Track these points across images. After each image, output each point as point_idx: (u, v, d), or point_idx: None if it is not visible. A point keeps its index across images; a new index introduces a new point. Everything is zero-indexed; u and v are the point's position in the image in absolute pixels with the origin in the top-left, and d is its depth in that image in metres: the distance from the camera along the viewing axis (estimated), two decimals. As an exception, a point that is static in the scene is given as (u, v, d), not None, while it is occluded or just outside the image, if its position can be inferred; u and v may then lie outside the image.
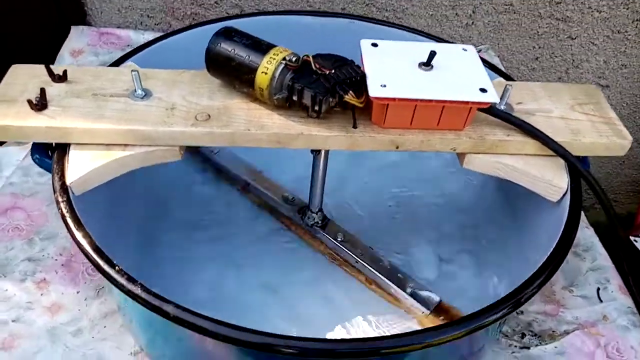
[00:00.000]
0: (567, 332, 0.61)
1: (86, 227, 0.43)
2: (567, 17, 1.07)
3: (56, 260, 0.64)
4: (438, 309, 0.62)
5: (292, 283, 0.65)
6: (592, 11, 1.06)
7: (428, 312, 0.62)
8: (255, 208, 0.73)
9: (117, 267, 0.40)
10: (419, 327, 0.61)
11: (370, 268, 0.64)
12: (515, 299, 0.43)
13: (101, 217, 0.52)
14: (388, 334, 0.60)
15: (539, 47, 1.15)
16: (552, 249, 0.47)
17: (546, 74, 1.19)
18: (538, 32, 1.10)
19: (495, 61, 1.07)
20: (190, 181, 0.75)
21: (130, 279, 0.39)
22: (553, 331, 0.61)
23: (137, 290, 0.39)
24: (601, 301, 0.65)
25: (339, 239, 0.66)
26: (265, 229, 0.71)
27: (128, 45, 0.99)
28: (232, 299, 0.63)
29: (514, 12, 1.07)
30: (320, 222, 0.68)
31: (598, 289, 0.66)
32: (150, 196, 0.70)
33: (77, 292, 0.61)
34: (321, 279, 0.66)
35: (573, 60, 1.17)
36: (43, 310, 0.59)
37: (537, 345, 0.60)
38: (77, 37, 0.99)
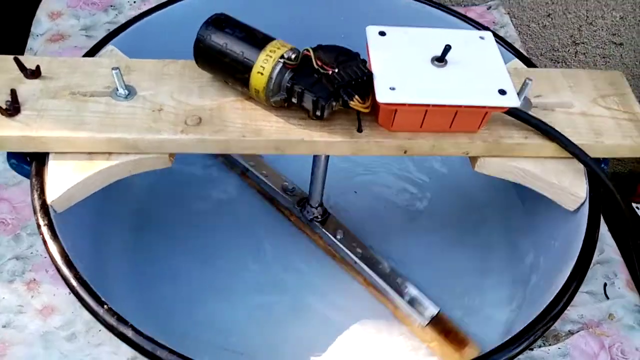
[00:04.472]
0: (571, 333, 0.60)
1: (72, 259, 0.40)
2: (585, -31, 1.00)
3: (46, 257, 0.61)
4: (435, 321, 0.59)
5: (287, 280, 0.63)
6: (613, -38, 0.98)
7: (425, 323, 0.59)
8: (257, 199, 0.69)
9: (105, 306, 0.37)
10: (411, 335, 0.59)
11: (368, 270, 0.61)
12: (530, 335, 0.41)
13: (89, 226, 0.49)
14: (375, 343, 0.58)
15: (552, 3, 1.08)
16: (568, 275, 0.45)
17: (558, 32, 1.12)
18: (552, -14, 1.03)
19: (506, 19, 1.00)
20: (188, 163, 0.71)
21: (121, 320, 0.37)
22: (557, 332, 0.60)
23: (129, 332, 0.36)
24: (607, 298, 0.63)
25: (338, 237, 0.64)
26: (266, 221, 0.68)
27: (111, 6, 0.91)
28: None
29: (527, -34, 0.99)
30: (320, 216, 0.65)
31: (605, 285, 0.64)
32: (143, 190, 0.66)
33: (70, 293, 0.59)
34: (318, 276, 0.63)
35: (587, 17, 1.10)
36: (35, 313, 0.57)
37: (540, 347, 0.59)
38: (55, -3, 0.90)
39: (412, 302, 0.60)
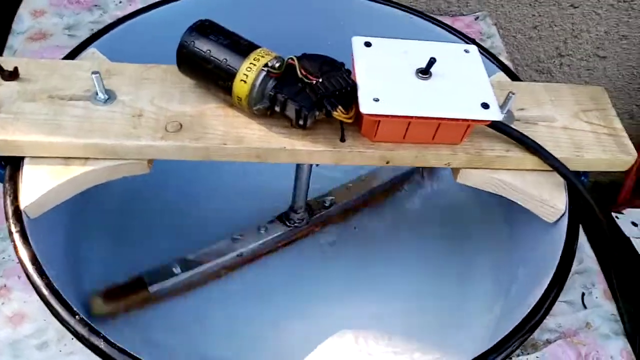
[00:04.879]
0: (549, 342, 0.60)
1: (44, 266, 0.39)
2: (571, -16, 1.01)
3: (18, 263, 0.59)
4: None
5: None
6: (598, -22, 1.00)
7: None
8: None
9: (77, 316, 0.36)
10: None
11: None
12: (509, 345, 0.41)
13: (65, 231, 0.48)
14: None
15: (539, 15, 1.09)
16: (546, 285, 0.45)
17: (544, 44, 1.14)
18: (539, -1, 1.04)
19: (493, 30, 1.01)
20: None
21: (93, 331, 0.36)
22: (535, 341, 0.60)
23: (100, 344, 0.36)
24: (585, 307, 0.64)
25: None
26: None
27: (96, 5, 0.90)
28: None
29: (514, -22, 1.00)
30: (305, 219, 0.65)
31: (583, 294, 0.65)
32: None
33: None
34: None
35: (573, 30, 1.12)
36: (4, 321, 0.55)
37: (518, 356, 0.59)
38: (38, -7, 0.89)
39: None
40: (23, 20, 0.85)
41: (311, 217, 0.66)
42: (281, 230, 0.65)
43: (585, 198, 0.49)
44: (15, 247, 0.41)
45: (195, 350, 0.57)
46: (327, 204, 0.68)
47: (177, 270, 0.59)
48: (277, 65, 0.45)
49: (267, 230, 0.64)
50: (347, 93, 0.45)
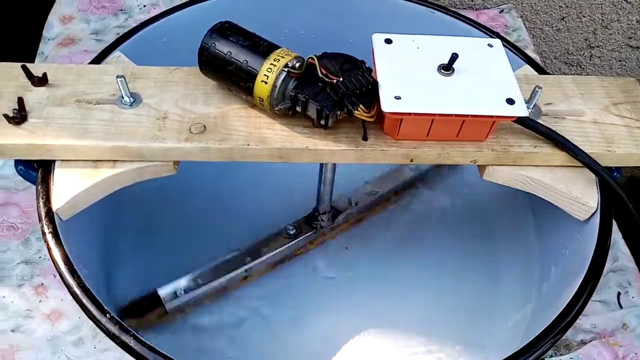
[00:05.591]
0: (583, 342, 0.59)
1: (76, 266, 0.40)
2: (601, -28, 0.98)
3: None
4: None
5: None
6: (630, -35, 0.97)
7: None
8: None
9: (108, 315, 0.37)
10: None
11: None
12: (540, 345, 0.40)
13: (97, 232, 0.49)
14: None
15: (566, 6, 1.06)
16: (579, 284, 0.44)
17: (572, 35, 1.11)
18: (566, -11, 1.02)
19: (518, 22, 0.99)
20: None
21: (123, 329, 0.37)
22: (569, 342, 0.59)
23: (130, 341, 0.36)
24: (621, 307, 0.62)
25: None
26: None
27: (121, 10, 0.92)
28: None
29: (541, -32, 0.98)
30: (329, 222, 0.65)
31: (619, 294, 0.63)
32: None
33: (76, 299, 0.59)
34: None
35: (602, 20, 1.09)
36: (42, 318, 0.57)
37: (551, 357, 0.58)
38: (67, 1, 0.91)
39: None
40: (53, 27, 0.87)
41: (336, 217, 0.66)
42: (308, 232, 0.65)
43: (619, 194, 0.48)
44: (48, 247, 0.42)
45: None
46: (352, 204, 0.67)
47: (195, 283, 0.59)
48: (297, 65, 0.45)
49: (294, 233, 0.64)
50: (369, 91, 0.45)
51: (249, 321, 0.61)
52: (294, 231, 0.64)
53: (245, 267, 0.61)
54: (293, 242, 0.64)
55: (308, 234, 0.65)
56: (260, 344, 0.59)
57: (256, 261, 0.62)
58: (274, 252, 0.63)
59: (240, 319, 0.61)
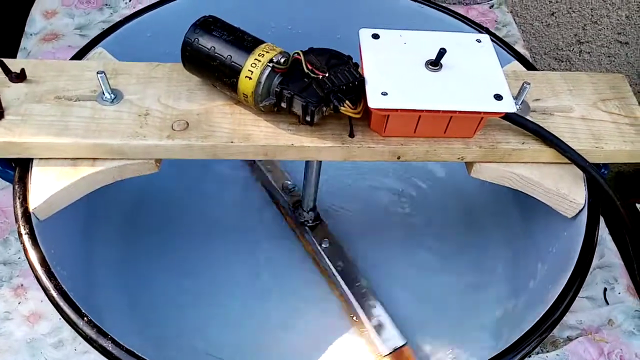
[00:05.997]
0: (569, 339, 0.59)
1: (53, 268, 0.39)
2: (590, -33, 0.98)
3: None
4: (397, 354, 0.56)
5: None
6: (619, -39, 0.97)
7: (385, 353, 0.56)
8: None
9: (85, 318, 0.36)
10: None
11: (344, 286, 0.59)
12: (527, 343, 0.40)
13: (76, 233, 0.48)
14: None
15: (556, 2, 1.06)
16: (566, 281, 0.43)
17: (562, 31, 1.11)
18: (556, -15, 1.02)
19: (508, 18, 0.98)
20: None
21: (101, 332, 0.36)
22: (555, 338, 0.59)
23: (108, 345, 0.35)
24: (607, 303, 0.62)
25: (324, 246, 0.62)
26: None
27: (106, 5, 0.90)
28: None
29: (531, -36, 0.97)
30: (310, 221, 0.64)
31: (605, 290, 0.63)
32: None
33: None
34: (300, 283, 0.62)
35: (592, 16, 1.09)
36: (22, 320, 0.56)
37: (538, 354, 0.57)
38: (49, -5, 0.89)
39: (378, 328, 0.57)
40: (35, 22, 0.85)
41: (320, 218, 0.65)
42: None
43: (606, 191, 0.48)
44: (24, 248, 0.41)
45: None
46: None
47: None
48: (282, 60, 0.44)
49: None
50: (355, 87, 0.44)
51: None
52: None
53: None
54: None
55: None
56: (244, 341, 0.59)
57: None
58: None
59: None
